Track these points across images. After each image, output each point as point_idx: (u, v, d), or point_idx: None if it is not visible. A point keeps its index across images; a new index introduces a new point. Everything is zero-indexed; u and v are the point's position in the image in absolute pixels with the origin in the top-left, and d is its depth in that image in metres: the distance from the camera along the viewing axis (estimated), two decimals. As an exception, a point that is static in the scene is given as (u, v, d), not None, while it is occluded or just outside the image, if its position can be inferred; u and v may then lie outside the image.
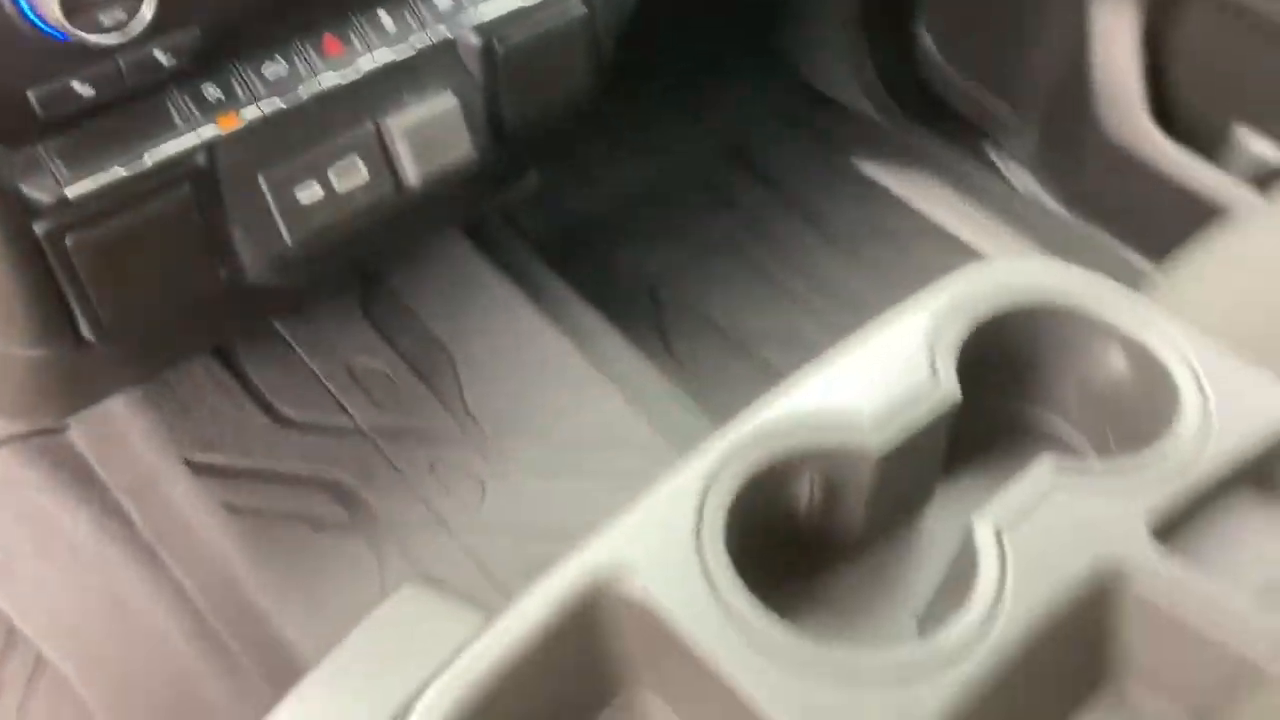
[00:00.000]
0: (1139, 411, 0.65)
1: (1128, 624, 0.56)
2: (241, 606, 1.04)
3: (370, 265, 1.09)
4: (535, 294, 1.25)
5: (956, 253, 1.56)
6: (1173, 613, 0.54)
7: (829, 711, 0.49)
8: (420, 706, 0.50)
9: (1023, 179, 1.66)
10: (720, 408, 1.28)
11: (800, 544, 0.64)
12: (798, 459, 0.59)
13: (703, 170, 1.63)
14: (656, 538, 0.55)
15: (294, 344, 1.14)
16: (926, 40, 1.71)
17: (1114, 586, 0.55)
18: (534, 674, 0.53)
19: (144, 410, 1.10)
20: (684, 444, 1.13)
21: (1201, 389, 0.62)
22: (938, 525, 0.66)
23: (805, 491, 0.61)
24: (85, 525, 1.14)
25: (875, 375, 0.62)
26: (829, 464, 0.60)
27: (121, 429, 1.11)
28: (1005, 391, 0.70)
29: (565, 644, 0.53)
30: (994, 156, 1.69)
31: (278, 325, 1.13)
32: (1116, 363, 0.67)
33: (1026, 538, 0.56)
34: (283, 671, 1.02)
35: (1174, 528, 0.58)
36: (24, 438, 1.16)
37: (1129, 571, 0.55)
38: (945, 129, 1.71)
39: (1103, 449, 0.68)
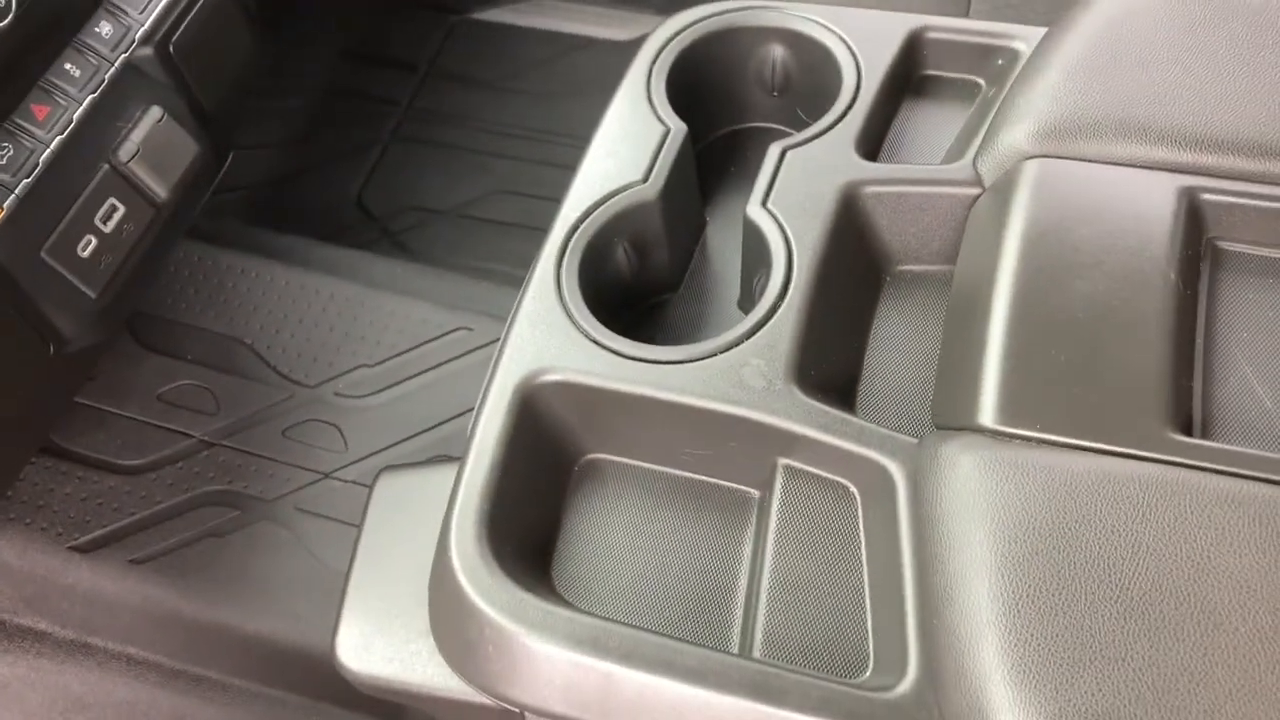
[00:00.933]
0: (812, 83, 0.84)
1: (876, 223, 0.75)
2: (193, 636, 1.11)
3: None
4: (276, 256, 1.32)
5: (599, 51, 1.70)
6: (896, 196, 0.74)
7: (720, 376, 0.66)
8: (454, 533, 0.63)
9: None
10: (480, 272, 1.41)
11: (635, 300, 0.80)
12: (608, 232, 0.74)
13: (339, 82, 1.69)
14: (544, 335, 0.69)
15: (100, 406, 1.18)
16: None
17: (855, 202, 0.74)
18: (512, 474, 0.66)
19: (1, 530, 1.12)
20: (472, 310, 1.27)
21: (845, 43, 0.81)
22: (726, 238, 0.84)
23: (622, 257, 0.77)
24: (3, 664, 1.16)
25: (624, 146, 0.77)
26: (628, 224, 0.75)
27: (-12, 559, 1.13)
28: (715, 116, 0.87)
29: (523, 441, 0.67)
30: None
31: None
32: (780, 55, 0.85)
33: (782, 200, 0.73)
34: (262, 663, 1.11)
35: (871, 142, 0.78)
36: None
37: (858, 187, 0.74)
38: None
39: (801, 125, 0.87)
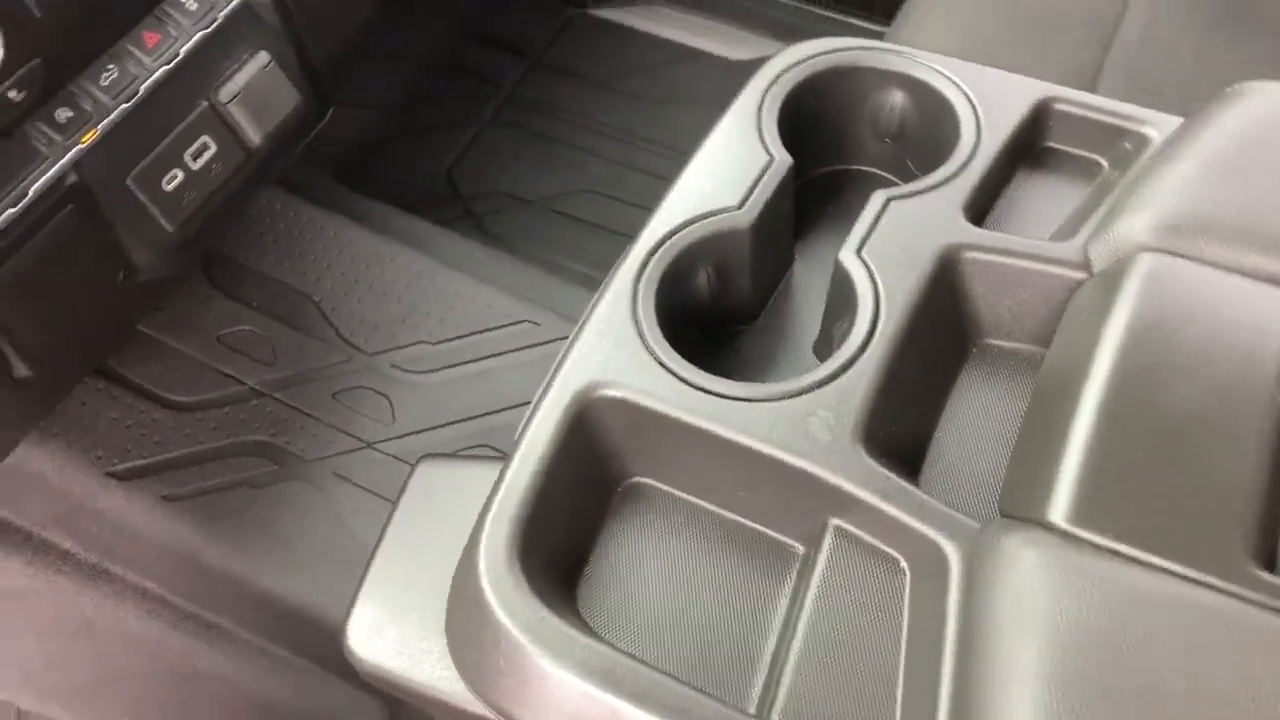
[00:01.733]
0: (926, 134, 0.81)
1: (972, 291, 0.72)
2: (211, 582, 1.11)
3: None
4: (357, 218, 1.32)
5: (706, 66, 1.69)
6: (1000, 268, 0.71)
7: (786, 422, 0.63)
8: (483, 539, 0.61)
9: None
10: (554, 267, 1.40)
11: (708, 326, 0.77)
12: (692, 254, 0.72)
13: (450, 57, 1.69)
14: (611, 349, 0.67)
15: (160, 338, 1.18)
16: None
17: (953, 266, 0.71)
18: (554, 486, 0.64)
19: (43, 445, 1.13)
20: (540, 305, 1.25)
21: (969, 100, 0.78)
22: (811, 277, 0.81)
23: (703, 281, 0.75)
24: (21, 572, 1.16)
25: (725, 169, 0.75)
26: (715, 249, 0.73)
27: (28, 470, 1.13)
28: (820, 153, 0.84)
29: (570, 456, 0.65)
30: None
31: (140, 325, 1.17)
32: (899, 101, 0.82)
33: (879, 251, 0.71)
34: (274, 622, 1.10)
35: (980, 207, 0.75)
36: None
37: (960, 251, 0.71)
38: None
39: (908, 175, 0.84)
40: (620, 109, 1.61)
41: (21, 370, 0.78)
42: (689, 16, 1.78)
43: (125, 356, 1.17)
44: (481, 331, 1.23)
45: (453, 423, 1.16)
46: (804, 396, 0.64)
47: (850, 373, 0.64)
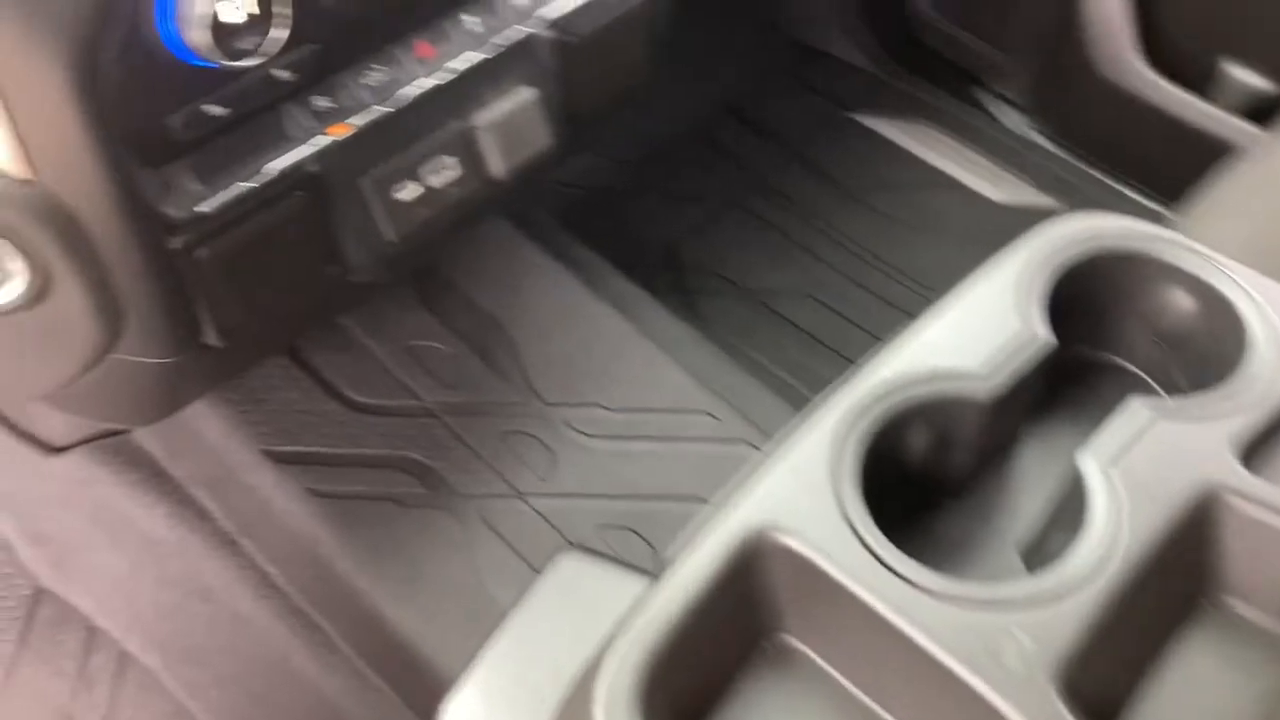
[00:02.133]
0: (1207, 347, 0.72)
1: (1223, 543, 0.62)
2: (331, 587, 1.09)
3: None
4: (572, 266, 1.29)
5: (962, 199, 1.61)
6: (1265, 527, 0.61)
7: (975, 634, 0.55)
8: (610, 663, 0.55)
9: (1019, 122, 1.72)
10: (752, 365, 1.34)
11: (910, 485, 0.70)
12: (916, 412, 0.65)
13: (705, 128, 1.67)
14: (800, 494, 0.61)
15: (356, 334, 1.18)
16: (915, -10, 1.75)
17: (1210, 510, 0.61)
18: (700, 626, 0.58)
19: (216, 407, 1.14)
20: (726, 400, 1.19)
21: (1267, 320, 0.69)
22: (1032, 464, 0.72)
23: (919, 440, 0.67)
24: (162, 521, 1.17)
25: (975, 330, 0.67)
26: (943, 414, 0.66)
27: (194, 427, 1.14)
28: (1081, 337, 0.76)
29: (726, 597, 0.59)
30: (989, 102, 1.74)
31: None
32: (1181, 302, 0.73)
33: (1130, 472, 0.62)
34: (378, 646, 1.07)
35: (1259, 451, 0.65)
36: (91, 440, 1.19)
37: (1223, 495, 0.61)
38: (940, 77, 1.76)
39: (1169, 386, 0.75)
40: (863, 222, 1.55)
41: (212, 338, 0.77)
42: (957, 145, 1.70)
43: (317, 345, 1.17)
44: (661, 411, 1.18)
45: (607, 496, 1.11)
46: (1003, 611, 0.56)
47: (1066, 602, 0.56)
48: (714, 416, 1.16)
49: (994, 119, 1.73)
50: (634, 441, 1.15)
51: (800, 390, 1.30)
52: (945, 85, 1.76)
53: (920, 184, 1.63)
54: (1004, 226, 1.55)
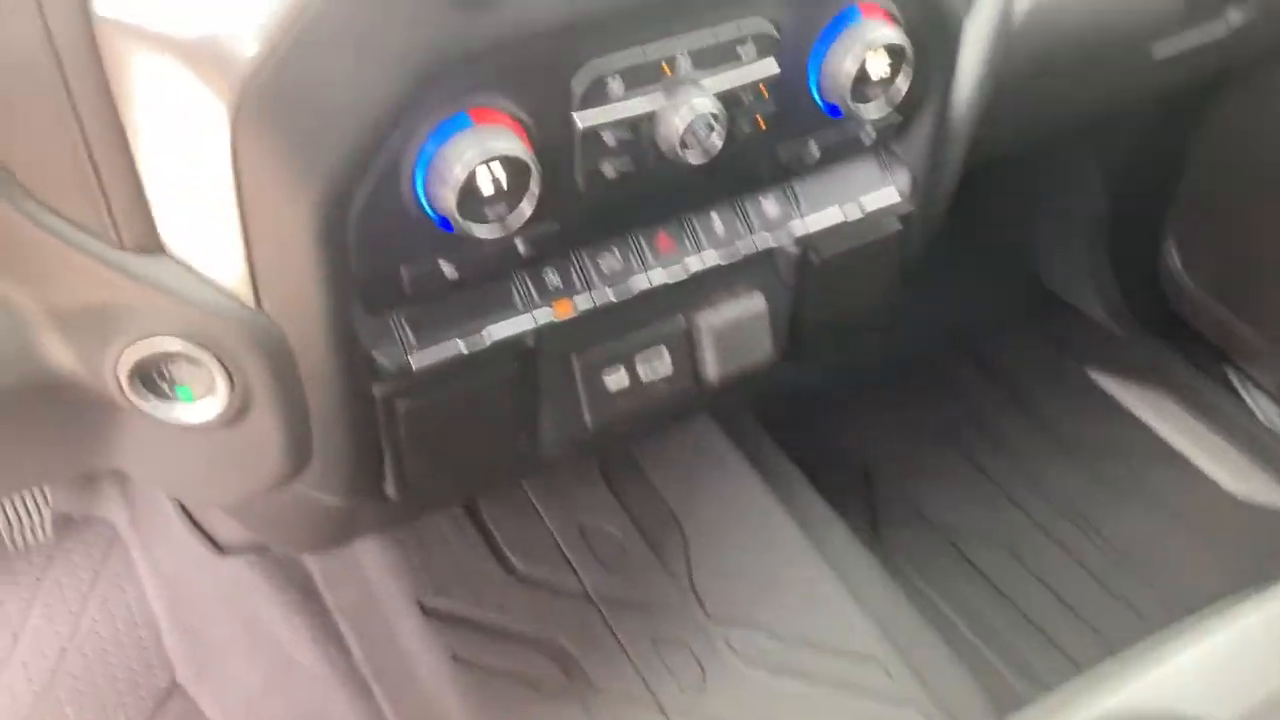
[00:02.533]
0: None
1: None
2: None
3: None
4: (765, 472, 1.24)
5: (1188, 480, 1.48)
6: None
7: None
8: None
9: (1268, 409, 1.58)
10: (937, 616, 1.23)
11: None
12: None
13: (927, 356, 1.61)
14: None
15: (532, 498, 1.15)
16: (1173, 256, 1.66)
17: None
18: None
19: (380, 542, 1.12)
20: (903, 651, 1.09)
21: None
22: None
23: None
24: (305, 645, 1.15)
25: (1230, 676, 0.58)
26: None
27: (355, 558, 1.13)
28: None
29: None
30: (1237, 382, 1.62)
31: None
32: None
33: None
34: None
35: None
36: (261, 549, 1.20)
37: None
38: (1185, 347, 1.65)
39: None
40: (1080, 486, 1.44)
41: (391, 491, 0.75)
42: (1193, 421, 1.58)
43: (493, 503, 1.15)
44: (829, 651, 1.09)
45: (753, 733, 1.02)
46: None
47: None
48: (888, 673, 1.06)
49: (1240, 400, 1.60)
50: (793, 680, 1.06)
51: (987, 657, 1.18)
52: (1191, 356, 1.65)
53: (1144, 454, 1.52)
54: (1235, 522, 1.41)
